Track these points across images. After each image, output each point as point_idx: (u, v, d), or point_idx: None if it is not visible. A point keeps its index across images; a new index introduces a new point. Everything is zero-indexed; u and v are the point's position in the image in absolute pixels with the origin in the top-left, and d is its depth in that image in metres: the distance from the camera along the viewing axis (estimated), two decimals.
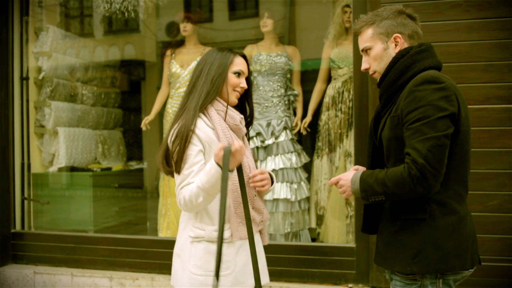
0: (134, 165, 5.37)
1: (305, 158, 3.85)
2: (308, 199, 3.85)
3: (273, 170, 3.67)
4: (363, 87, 3.07)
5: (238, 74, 1.93)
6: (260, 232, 2.02)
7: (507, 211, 2.79)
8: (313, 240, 3.86)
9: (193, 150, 1.81)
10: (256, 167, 2.03)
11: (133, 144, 5.56)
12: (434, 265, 1.62)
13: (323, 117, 3.79)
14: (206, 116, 1.88)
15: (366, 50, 1.80)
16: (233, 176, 1.83)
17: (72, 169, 4.45)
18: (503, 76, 2.78)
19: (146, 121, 4.04)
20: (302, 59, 4.01)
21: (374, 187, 1.65)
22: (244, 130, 2.00)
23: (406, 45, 1.75)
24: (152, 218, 4.54)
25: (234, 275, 1.86)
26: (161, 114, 4.12)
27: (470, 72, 2.81)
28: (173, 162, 1.83)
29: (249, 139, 2.12)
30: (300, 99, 3.91)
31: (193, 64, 3.89)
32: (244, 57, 1.98)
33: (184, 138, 1.79)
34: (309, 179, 3.90)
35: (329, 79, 3.84)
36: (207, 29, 4.76)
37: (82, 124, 4.70)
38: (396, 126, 1.67)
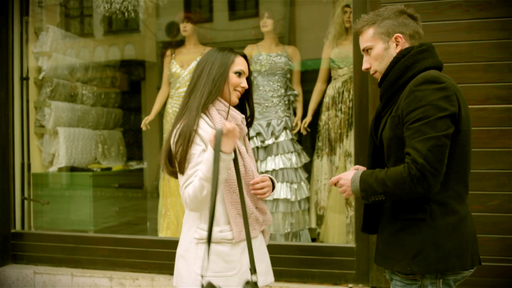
0: (134, 165, 5.37)
1: (305, 158, 3.85)
2: (308, 199, 3.85)
3: (273, 170, 3.67)
4: (363, 87, 3.07)
5: (239, 74, 1.93)
6: (262, 232, 2.04)
7: (507, 211, 2.79)
8: (313, 240, 3.86)
9: (197, 150, 1.81)
10: (257, 168, 2.04)
11: (133, 144, 5.56)
12: (434, 265, 1.62)
13: (323, 117, 3.79)
14: (207, 116, 1.88)
15: (367, 50, 1.80)
16: (233, 176, 1.83)
17: (72, 169, 4.45)
18: (503, 76, 2.78)
19: (146, 121, 4.04)
20: (302, 59, 4.01)
21: (374, 187, 1.65)
22: (245, 130, 2.00)
23: (407, 45, 1.75)
24: (152, 218, 4.54)
25: (240, 275, 1.87)
26: (161, 114, 4.12)
27: (470, 72, 2.81)
28: (176, 163, 1.82)
29: (249, 139, 2.12)
30: (300, 99, 3.91)
31: (193, 64, 3.89)
32: (245, 57, 1.98)
33: (187, 138, 1.79)
34: (309, 179, 3.90)
35: (329, 79, 3.84)
36: (207, 29, 4.76)
37: (82, 124, 4.70)
38: (396, 126, 1.67)
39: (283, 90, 3.85)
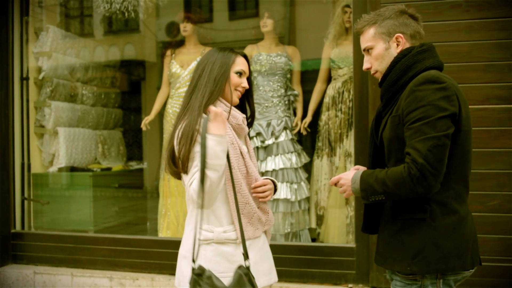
0: (134, 165, 5.37)
1: (305, 158, 3.85)
2: (308, 199, 3.85)
3: (273, 170, 3.68)
4: (363, 87, 3.07)
5: (240, 74, 1.93)
6: (265, 232, 2.04)
7: (507, 211, 2.79)
8: (313, 240, 3.86)
9: (199, 149, 1.81)
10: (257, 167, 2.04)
11: (133, 144, 5.56)
12: (434, 265, 1.62)
13: (323, 117, 3.79)
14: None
15: (368, 50, 1.80)
16: (236, 176, 1.84)
17: (72, 169, 4.45)
18: (503, 76, 2.78)
19: (146, 121, 4.04)
20: (302, 59, 4.01)
21: (374, 187, 1.65)
22: (246, 129, 2.00)
23: (408, 45, 1.76)
24: (152, 218, 4.54)
25: None
26: (161, 114, 4.12)
27: (470, 72, 2.81)
28: (180, 163, 1.83)
29: (249, 139, 2.12)
30: (300, 99, 3.91)
31: (193, 64, 3.89)
32: (245, 57, 1.98)
33: (190, 137, 1.79)
34: (309, 179, 3.90)
35: (329, 79, 3.84)
36: (207, 29, 4.76)
37: (82, 124, 4.70)
38: (397, 126, 1.67)
39: (283, 90, 3.85)
